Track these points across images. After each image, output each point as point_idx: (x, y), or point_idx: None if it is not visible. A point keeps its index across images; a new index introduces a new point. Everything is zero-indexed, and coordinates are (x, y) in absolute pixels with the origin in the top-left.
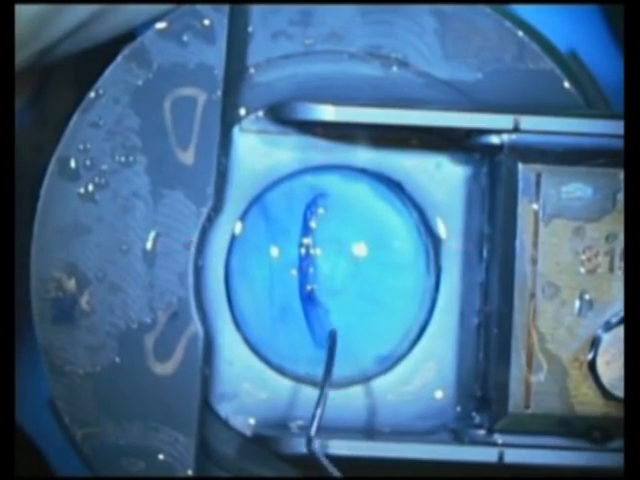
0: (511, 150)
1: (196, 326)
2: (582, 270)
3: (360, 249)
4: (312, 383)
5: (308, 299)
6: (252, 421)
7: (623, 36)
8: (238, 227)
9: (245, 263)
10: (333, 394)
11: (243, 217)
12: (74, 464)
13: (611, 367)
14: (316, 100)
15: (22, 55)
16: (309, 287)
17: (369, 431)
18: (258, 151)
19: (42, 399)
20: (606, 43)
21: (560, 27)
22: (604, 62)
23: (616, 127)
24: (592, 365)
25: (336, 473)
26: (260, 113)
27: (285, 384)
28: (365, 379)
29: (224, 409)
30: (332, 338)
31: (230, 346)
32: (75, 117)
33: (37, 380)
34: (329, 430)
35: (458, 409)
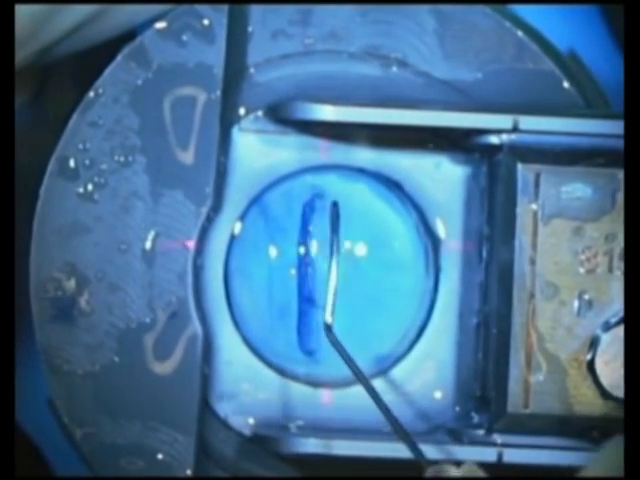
0: (510, 150)
1: (195, 326)
2: (581, 270)
3: (359, 249)
4: (311, 383)
5: (307, 300)
6: (251, 421)
7: (622, 36)
8: (237, 227)
9: (244, 263)
10: (332, 394)
11: (242, 217)
12: (74, 464)
13: (610, 367)
14: (316, 100)
15: (21, 55)
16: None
17: (368, 431)
18: (257, 151)
19: (41, 399)
20: (605, 43)
21: (559, 27)
22: (603, 62)
23: (615, 127)
24: (591, 365)
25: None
26: (259, 113)
27: (284, 384)
28: None
29: (223, 409)
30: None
31: (229, 346)
32: (74, 117)
33: (36, 380)
34: (328, 430)
35: (457, 409)
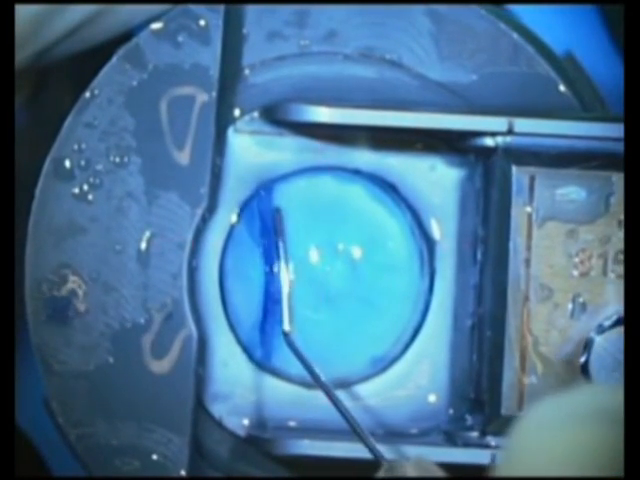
0: (505, 152)
1: (190, 327)
2: (575, 273)
3: (354, 251)
4: (305, 384)
5: (273, 301)
6: (246, 422)
7: (621, 37)
8: (232, 228)
9: (239, 264)
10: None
11: (237, 218)
12: (70, 464)
13: (604, 370)
14: (311, 101)
15: (19, 57)
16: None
17: None
18: (253, 152)
19: (38, 399)
20: (603, 45)
21: (557, 29)
22: (601, 64)
23: (610, 130)
24: (585, 368)
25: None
26: (255, 114)
27: (279, 385)
28: (359, 381)
29: (218, 410)
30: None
31: (224, 347)
32: (70, 117)
33: (34, 380)
34: (323, 432)
35: (451, 411)
